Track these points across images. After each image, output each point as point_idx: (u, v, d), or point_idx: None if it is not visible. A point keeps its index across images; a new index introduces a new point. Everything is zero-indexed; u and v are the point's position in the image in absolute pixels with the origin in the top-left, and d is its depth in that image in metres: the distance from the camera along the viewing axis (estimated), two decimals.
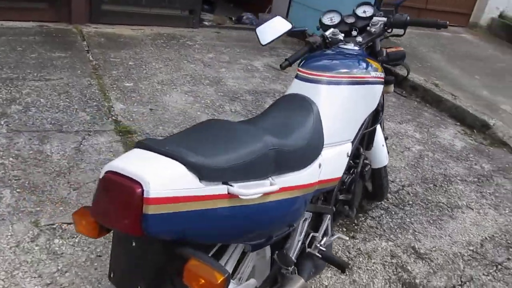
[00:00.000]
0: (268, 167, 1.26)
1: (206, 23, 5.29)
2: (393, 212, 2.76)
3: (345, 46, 1.97)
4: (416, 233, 2.64)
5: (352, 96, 1.79)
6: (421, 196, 2.99)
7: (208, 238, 1.15)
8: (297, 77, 1.76)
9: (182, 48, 4.49)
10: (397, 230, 2.63)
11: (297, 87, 1.71)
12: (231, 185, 1.12)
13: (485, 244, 2.67)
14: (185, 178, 1.02)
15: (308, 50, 2.06)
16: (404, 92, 4.65)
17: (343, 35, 2.07)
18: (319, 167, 1.56)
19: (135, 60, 3.98)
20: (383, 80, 1.99)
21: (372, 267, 2.32)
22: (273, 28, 2.07)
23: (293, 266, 1.55)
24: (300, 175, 1.42)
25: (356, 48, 1.96)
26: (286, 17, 6.65)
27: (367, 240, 2.51)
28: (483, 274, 2.43)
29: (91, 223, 1.10)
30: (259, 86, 4.05)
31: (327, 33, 2.07)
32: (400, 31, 2.14)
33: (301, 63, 1.83)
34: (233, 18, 5.80)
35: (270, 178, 1.27)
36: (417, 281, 2.30)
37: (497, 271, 2.47)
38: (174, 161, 1.02)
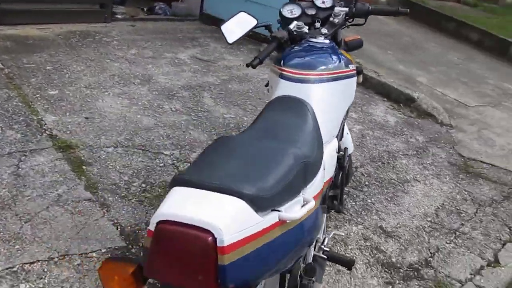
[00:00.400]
0: (301, 182, 1.19)
1: (119, 16, 4.93)
2: (354, 196, 2.83)
3: (315, 40, 1.92)
4: (379, 213, 2.73)
5: (335, 92, 1.76)
6: (374, 175, 3.09)
7: (267, 274, 1.05)
8: (282, 77, 1.68)
9: (100, 46, 4.14)
10: (362, 213, 2.69)
11: (286, 88, 1.63)
12: (279, 211, 1.03)
13: (439, 213, 2.85)
14: (247, 214, 0.91)
15: (276, 46, 1.99)
16: None
17: (307, 27, 2.03)
18: (324, 169, 1.51)
19: (52, 64, 3.59)
20: (356, 71, 1.99)
21: (351, 254, 2.36)
22: (239, 24, 1.96)
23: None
24: (316, 182, 1.36)
25: (327, 41, 1.93)
26: (201, 5, 6.40)
27: (339, 227, 2.54)
28: (446, 243, 2.59)
29: (127, 278, 0.95)
30: (191, 80, 3.89)
31: (291, 26, 2.01)
32: (361, 20, 2.15)
33: (282, 61, 1.75)
34: (145, 9, 5.49)
35: (301, 193, 1.20)
36: (393, 259, 2.38)
37: (456, 237, 2.65)
38: (232, 197, 0.91)
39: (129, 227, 2.17)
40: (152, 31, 4.86)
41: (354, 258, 2.17)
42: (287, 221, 1.05)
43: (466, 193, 3.12)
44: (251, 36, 4.92)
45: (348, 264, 1.70)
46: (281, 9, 2.11)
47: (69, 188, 2.33)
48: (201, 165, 1.09)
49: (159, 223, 0.87)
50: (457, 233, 2.69)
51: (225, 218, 0.87)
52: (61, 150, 2.60)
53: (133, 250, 2.05)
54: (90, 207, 2.24)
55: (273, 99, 1.63)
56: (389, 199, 2.88)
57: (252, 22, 1.97)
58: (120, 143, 2.79)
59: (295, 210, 1.12)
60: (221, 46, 4.83)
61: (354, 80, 1.93)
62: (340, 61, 1.82)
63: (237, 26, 1.96)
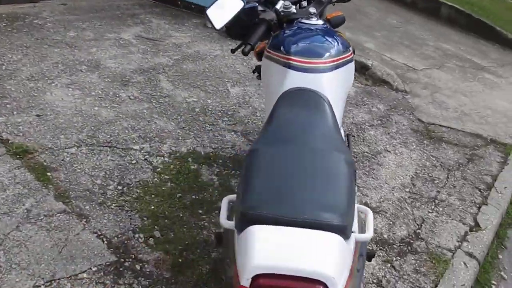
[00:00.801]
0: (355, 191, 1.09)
1: None
2: None
3: (309, 22, 1.80)
4: (361, 188, 2.72)
5: (341, 79, 1.66)
6: None
7: None
8: (290, 67, 1.54)
9: (33, 30, 3.71)
10: None
11: (297, 79, 1.50)
12: (353, 231, 0.92)
13: (415, 182, 2.89)
14: (344, 249, 0.80)
15: (266, 29, 1.84)
16: None
17: (294, 7, 1.89)
18: None
19: None
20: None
21: None
22: (224, 8, 1.78)
23: None
24: None
25: (320, 22, 1.81)
26: None
27: None
28: (429, 212, 2.63)
29: None
30: (143, 62, 3.60)
31: (278, 6, 1.87)
32: None
33: (283, 48, 1.61)
34: None
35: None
36: (385, 236, 2.39)
37: (436, 205, 2.70)
38: (327, 233, 0.79)
39: (115, 238, 1.97)
40: (87, 10, 4.44)
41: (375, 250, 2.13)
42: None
43: (434, 159, 3.20)
44: (191, 9, 4.70)
45: (369, 256, 1.65)
46: None
47: (37, 201, 2.07)
48: (262, 192, 0.94)
49: (255, 277, 0.73)
50: (436, 201, 2.74)
51: (333, 262, 0.75)
52: (18, 156, 2.30)
53: (127, 264, 1.87)
54: (67, 220, 2.00)
55: (285, 92, 1.48)
56: (367, 173, 2.87)
57: (239, 4, 1.80)
58: (83, 141, 2.52)
59: (355, 224, 1.02)
60: (164, 22, 4.53)
61: (353, 63, 1.84)
62: (339, 45, 1.71)
63: (223, 10, 1.78)
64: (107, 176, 2.31)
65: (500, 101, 4.40)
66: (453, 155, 3.29)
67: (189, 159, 2.58)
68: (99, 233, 1.98)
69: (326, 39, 1.67)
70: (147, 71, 3.48)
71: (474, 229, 2.57)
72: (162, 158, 2.54)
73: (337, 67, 1.62)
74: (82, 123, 2.67)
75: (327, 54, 1.59)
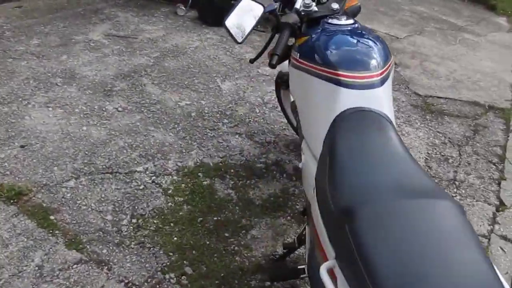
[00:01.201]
0: None
1: None
2: None
3: (338, 22, 1.59)
4: None
5: (390, 90, 1.47)
6: None
7: None
8: (340, 83, 1.34)
9: None
10: None
11: (352, 99, 1.31)
12: None
13: (430, 164, 2.79)
14: None
15: (290, 34, 1.63)
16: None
17: (314, 4, 1.69)
18: None
19: None
20: None
21: None
22: (244, 16, 1.56)
23: None
24: None
25: (351, 21, 1.61)
26: None
27: None
28: (452, 196, 2.55)
29: None
30: (121, 65, 3.30)
31: (298, 5, 1.66)
32: None
33: (319, 59, 1.41)
34: None
35: None
36: None
37: (458, 188, 2.62)
38: None
39: (145, 284, 1.77)
40: (45, 10, 4.04)
41: None
42: None
43: (441, 135, 3.11)
44: None
45: None
46: None
47: (47, 253, 1.82)
48: (397, 280, 0.77)
49: None
50: (456, 182, 2.66)
51: None
52: (12, 201, 2.03)
53: None
54: (86, 271, 1.78)
55: (340, 115, 1.29)
56: None
57: (259, 9, 1.58)
58: (80, 171, 2.26)
59: None
60: (132, 14, 4.20)
61: (393, 68, 1.66)
62: (382, 50, 1.49)
63: (243, 19, 1.56)
64: (117, 209, 2.08)
65: (485, 62, 4.35)
66: (458, 129, 3.21)
67: (199, 174, 2.37)
68: (126, 280, 1.77)
69: (369, 46, 1.46)
70: (128, 75, 3.19)
71: (500, 209, 2.50)
72: (170, 177, 2.32)
73: (386, 78, 1.43)
74: (74, 148, 2.40)
75: (376, 64, 1.40)
